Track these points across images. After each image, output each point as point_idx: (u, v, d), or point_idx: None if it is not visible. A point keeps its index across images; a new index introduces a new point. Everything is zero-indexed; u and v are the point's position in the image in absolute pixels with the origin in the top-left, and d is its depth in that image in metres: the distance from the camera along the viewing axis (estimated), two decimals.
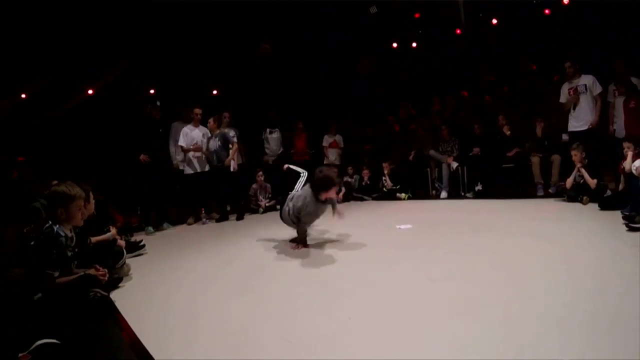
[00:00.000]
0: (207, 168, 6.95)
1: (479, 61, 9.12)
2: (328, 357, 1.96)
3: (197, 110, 6.94)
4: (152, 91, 8.24)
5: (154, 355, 2.11)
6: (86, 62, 7.41)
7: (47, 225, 2.67)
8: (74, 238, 2.84)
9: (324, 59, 9.90)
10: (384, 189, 8.36)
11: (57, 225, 2.68)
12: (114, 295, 3.15)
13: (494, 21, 8.57)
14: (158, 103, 6.76)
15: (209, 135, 6.99)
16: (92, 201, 3.53)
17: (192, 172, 6.87)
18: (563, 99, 6.31)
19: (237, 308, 2.75)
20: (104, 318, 2.69)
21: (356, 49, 9.75)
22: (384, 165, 8.43)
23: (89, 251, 3.30)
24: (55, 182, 2.83)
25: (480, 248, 3.75)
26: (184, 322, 2.59)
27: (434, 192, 8.27)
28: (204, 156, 6.93)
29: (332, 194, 4.08)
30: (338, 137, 9.37)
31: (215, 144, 6.91)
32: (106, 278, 2.89)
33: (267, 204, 7.84)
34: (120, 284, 3.45)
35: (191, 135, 6.85)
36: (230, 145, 6.96)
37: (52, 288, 2.52)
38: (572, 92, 6.16)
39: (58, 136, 7.31)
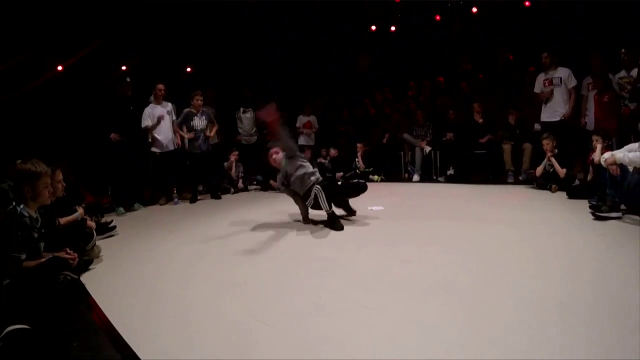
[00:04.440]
0: (172, 147, 6.70)
1: (458, 48, 9.14)
2: (301, 335, 2.02)
3: (160, 86, 6.63)
4: (123, 67, 7.92)
5: (126, 339, 2.08)
6: (57, 39, 7.02)
7: (10, 206, 2.55)
8: (39, 219, 2.73)
9: (304, 41, 9.74)
10: (357, 170, 8.41)
11: (21, 206, 2.57)
12: (85, 278, 3.08)
13: (474, 9, 8.59)
14: (128, 79, 6.48)
15: (173, 111, 6.76)
16: (62, 184, 3.41)
17: (158, 151, 6.62)
18: (537, 88, 6.40)
19: (211, 289, 2.75)
20: (74, 302, 2.63)
21: (337, 31, 9.60)
22: (358, 146, 8.48)
23: (58, 233, 3.19)
24: (19, 161, 2.69)
25: (452, 231, 3.85)
26: (156, 304, 2.56)
27: (406, 175, 8.39)
28: (172, 136, 6.71)
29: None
30: (312, 118, 9.26)
31: (201, 122, 6.74)
32: (76, 261, 2.81)
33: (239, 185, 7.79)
34: (90, 267, 3.37)
35: (153, 113, 6.54)
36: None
37: (19, 271, 2.43)
38: (547, 84, 6.25)
39: (27, 114, 6.94)
